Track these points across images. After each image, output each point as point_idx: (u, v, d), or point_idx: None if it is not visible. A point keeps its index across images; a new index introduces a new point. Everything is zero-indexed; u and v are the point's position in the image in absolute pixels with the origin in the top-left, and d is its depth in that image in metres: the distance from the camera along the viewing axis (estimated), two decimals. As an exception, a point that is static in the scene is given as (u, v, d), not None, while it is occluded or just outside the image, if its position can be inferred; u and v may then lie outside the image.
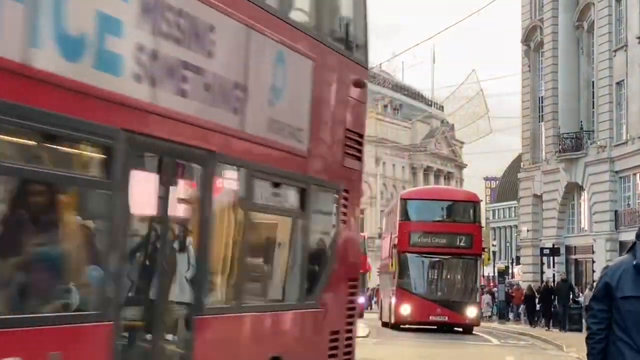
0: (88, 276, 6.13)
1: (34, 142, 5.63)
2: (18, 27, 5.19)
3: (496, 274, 68.34)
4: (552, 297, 38.37)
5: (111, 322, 6.06)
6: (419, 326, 32.47)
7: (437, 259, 32.84)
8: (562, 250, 48.80)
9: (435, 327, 32.29)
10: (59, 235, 5.98)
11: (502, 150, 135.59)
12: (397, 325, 32.80)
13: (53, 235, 5.92)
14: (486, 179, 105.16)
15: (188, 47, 6.95)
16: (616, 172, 44.95)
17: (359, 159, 10.24)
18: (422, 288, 32.66)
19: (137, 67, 6.30)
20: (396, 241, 32.77)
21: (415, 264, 32.63)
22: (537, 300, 42.57)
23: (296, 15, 9.39)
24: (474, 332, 32.86)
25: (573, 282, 44.11)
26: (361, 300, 45.04)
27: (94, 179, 6.17)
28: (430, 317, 32.08)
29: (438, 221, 33.46)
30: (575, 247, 49.80)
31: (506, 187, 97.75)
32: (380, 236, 51.13)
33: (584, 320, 38.31)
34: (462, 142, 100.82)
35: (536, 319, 41.58)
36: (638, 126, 42.69)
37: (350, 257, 10.28)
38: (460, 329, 32.79)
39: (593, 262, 46.65)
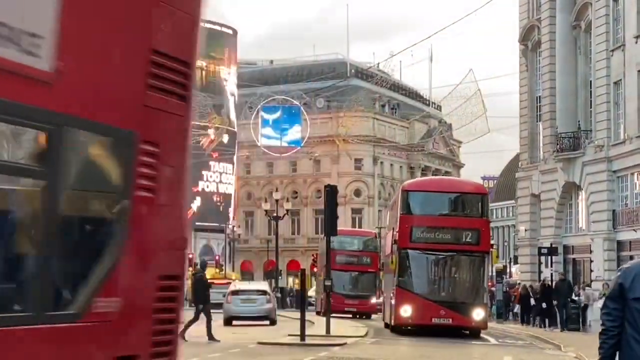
0: None
1: None
2: None
3: (494, 274, 68.33)
4: (551, 296, 38.18)
5: None
6: (422, 328, 29.25)
7: (441, 256, 29.78)
8: (560, 250, 48.82)
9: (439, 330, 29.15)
10: None
11: (500, 149, 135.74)
12: (397, 328, 30.21)
13: None
14: (484, 178, 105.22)
15: None
16: (614, 171, 44.97)
17: (183, 98, 6.57)
18: (424, 288, 29.65)
19: None
20: (397, 236, 30.12)
21: (417, 261, 29.58)
22: (532, 300, 42.64)
23: None
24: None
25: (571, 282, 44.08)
26: (373, 300, 46.12)
27: None
28: (433, 320, 29.08)
29: (442, 215, 30.36)
30: (573, 246, 49.83)
31: (504, 186, 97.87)
32: (376, 236, 51.04)
33: (591, 320, 38.53)
34: (460, 142, 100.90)
35: (531, 317, 41.60)
36: (635, 126, 42.71)
37: (161, 242, 6.57)
38: (467, 332, 29.89)
39: (591, 261, 46.71)
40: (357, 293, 46.06)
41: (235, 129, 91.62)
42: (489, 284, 62.01)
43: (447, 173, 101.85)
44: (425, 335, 27.93)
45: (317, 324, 32.22)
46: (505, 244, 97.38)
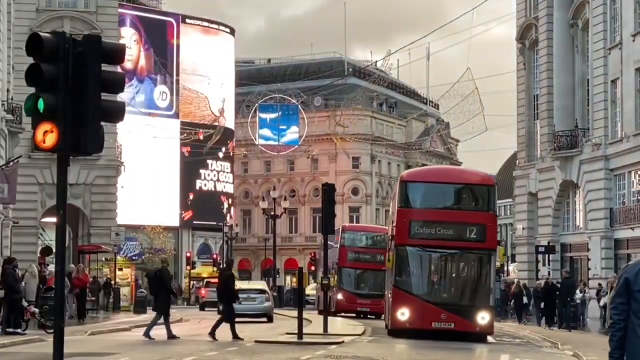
0: None
1: None
2: None
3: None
4: (555, 295, 37.92)
5: None
6: (421, 333, 26.78)
7: (443, 254, 27.16)
8: (558, 248, 48.88)
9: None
10: None
11: (497, 148, 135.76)
12: (394, 332, 27.60)
13: None
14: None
15: None
16: (611, 169, 45.01)
17: None
18: (423, 288, 27.08)
19: None
20: (394, 232, 27.72)
21: (416, 259, 27.09)
22: (524, 298, 42.69)
23: None
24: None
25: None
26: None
27: None
28: (434, 324, 26.57)
29: (445, 208, 27.86)
30: (570, 244, 49.86)
31: (501, 185, 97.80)
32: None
33: (587, 318, 38.57)
34: (457, 140, 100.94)
35: (526, 315, 41.66)
36: (633, 124, 42.74)
37: None
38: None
39: (588, 259, 46.73)
40: (370, 292, 43.03)
41: (233, 127, 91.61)
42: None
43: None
44: (425, 335, 26.31)
45: (314, 323, 32.22)
46: (503, 242, 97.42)
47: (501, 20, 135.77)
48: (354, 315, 43.48)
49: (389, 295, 28.61)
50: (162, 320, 25.79)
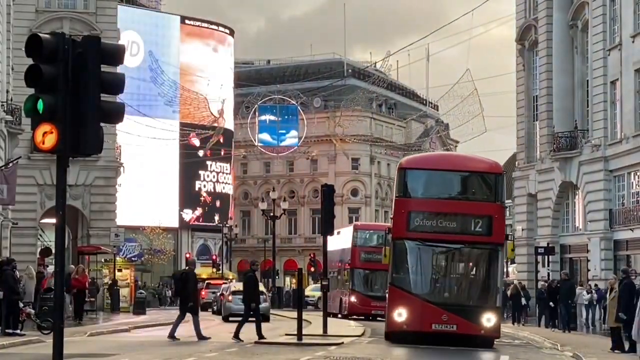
0: None
1: None
2: None
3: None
4: (557, 296, 37.72)
5: None
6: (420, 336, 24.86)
7: (445, 249, 24.82)
8: (557, 249, 48.86)
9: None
10: None
11: (497, 149, 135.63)
12: (390, 335, 25.57)
13: None
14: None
15: None
16: (610, 171, 45.01)
17: None
18: (423, 287, 24.72)
19: None
20: (391, 224, 25.79)
21: (415, 254, 24.72)
22: (522, 300, 42.68)
23: None
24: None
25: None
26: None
27: None
28: (434, 326, 24.18)
29: (447, 198, 25.35)
30: (569, 246, 49.85)
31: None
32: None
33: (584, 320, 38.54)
34: (457, 141, 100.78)
35: (524, 317, 41.68)
36: (632, 125, 42.74)
37: None
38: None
39: (588, 261, 46.72)
40: (385, 294, 39.82)
41: (232, 128, 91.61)
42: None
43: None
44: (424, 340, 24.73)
45: (314, 324, 32.21)
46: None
47: (501, 22, 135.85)
48: (364, 318, 42.41)
49: (386, 294, 26.60)
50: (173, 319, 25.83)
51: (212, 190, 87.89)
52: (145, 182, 77.35)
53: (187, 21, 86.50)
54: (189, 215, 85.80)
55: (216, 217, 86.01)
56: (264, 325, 27.50)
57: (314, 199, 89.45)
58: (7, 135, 41.49)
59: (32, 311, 27.94)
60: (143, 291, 53.73)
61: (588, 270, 46.52)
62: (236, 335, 25.12)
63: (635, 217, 42.69)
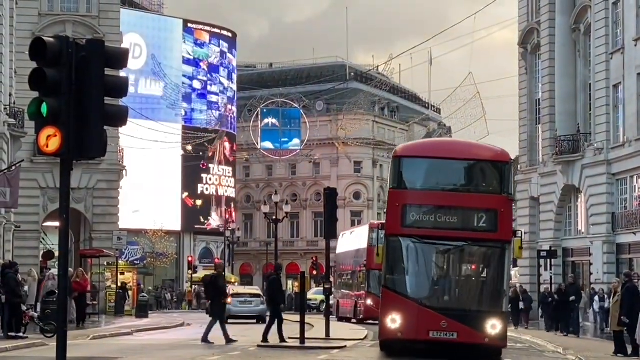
0: None
1: None
2: None
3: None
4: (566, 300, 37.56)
5: None
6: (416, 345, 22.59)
7: (444, 247, 21.91)
8: (560, 253, 48.79)
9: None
10: None
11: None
12: (384, 345, 22.85)
13: None
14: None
15: None
16: (613, 174, 44.98)
17: None
18: (420, 290, 21.83)
19: None
20: (385, 219, 23.05)
21: (411, 253, 21.83)
22: (521, 304, 42.61)
23: None
24: None
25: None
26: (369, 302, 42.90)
27: None
28: (431, 334, 21.31)
29: (448, 190, 22.47)
30: (572, 249, 49.80)
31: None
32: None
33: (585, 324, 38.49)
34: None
35: (524, 320, 41.67)
36: (635, 128, 42.72)
37: None
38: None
39: (590, 264, 46.67)
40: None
41: (235, 132, 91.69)
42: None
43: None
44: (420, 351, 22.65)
45: (316, 327, 32.23)
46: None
47: (503, 25, 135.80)
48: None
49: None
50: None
51: (215, 193, 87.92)
52: (147, 184, 77.34)
53: (189, 24, 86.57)
54: (215, 222, 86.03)
55: (218, 220, 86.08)
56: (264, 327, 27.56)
57: (316, 202, 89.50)
58: (10, 138, 41.54)
59: (35, 314, 27.97)
60: (146, 294, 53.81)
61: (590, 274, 46.48)
62: (264, 339, 25.13)
63: (638, 221, 42.63)
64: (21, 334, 25.55)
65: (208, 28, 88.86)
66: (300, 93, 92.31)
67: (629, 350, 23.81)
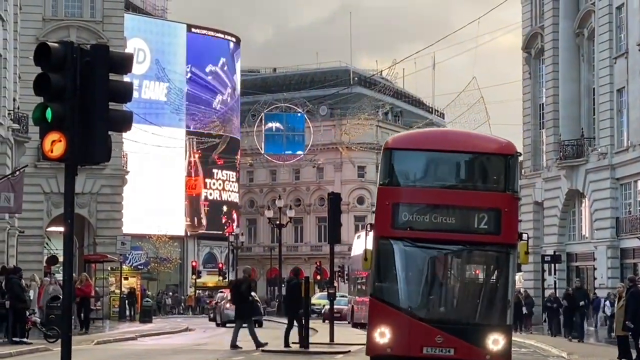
0: None
1: None
2: None
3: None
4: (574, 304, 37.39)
5: None
6: None
7: (441, 251, 18.99)
8: (564, 258, 48.76)
9: None
10: None
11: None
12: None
13: None
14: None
15: None
16: (617, 179, 44.96)
17: None
18: (412, 300, 18.86)
19: None
20: (374, 220, 19.67)
21: (403, 258, 19.01)
22: (523, 309, 42.58)
23: None
24: None
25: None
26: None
27: None
28: (425, 350, 18.43)
29: (445, 187, 19.47)
30: (576, 254, 49.77)
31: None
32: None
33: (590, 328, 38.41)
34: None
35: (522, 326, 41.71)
36: (639, 133, 42.69)
37: None
38: None
39: (594, 269, 46.64)
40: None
41: (239, 137, 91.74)
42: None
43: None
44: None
45: (320, 332, 32.21)
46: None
47: (507, 30, 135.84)
48: None
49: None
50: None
51: (219, 198, 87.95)
52: (151, 189, 77.35)
53: (193, 29, 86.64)
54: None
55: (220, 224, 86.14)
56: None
57: (320, 207, 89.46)
58: (14, 143, 41.57)
59: (38, 319, 27.98)
60: (149, 299, 53.82)
61: (595, 278, 46.44)
62: (286, 344, 25.10)
63: (642, 225, 42.61)
64: (25, 340, 25.56)
65: (212, 33, 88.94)
66: (304, 98, 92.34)
67: (634, 355, 23.76)
